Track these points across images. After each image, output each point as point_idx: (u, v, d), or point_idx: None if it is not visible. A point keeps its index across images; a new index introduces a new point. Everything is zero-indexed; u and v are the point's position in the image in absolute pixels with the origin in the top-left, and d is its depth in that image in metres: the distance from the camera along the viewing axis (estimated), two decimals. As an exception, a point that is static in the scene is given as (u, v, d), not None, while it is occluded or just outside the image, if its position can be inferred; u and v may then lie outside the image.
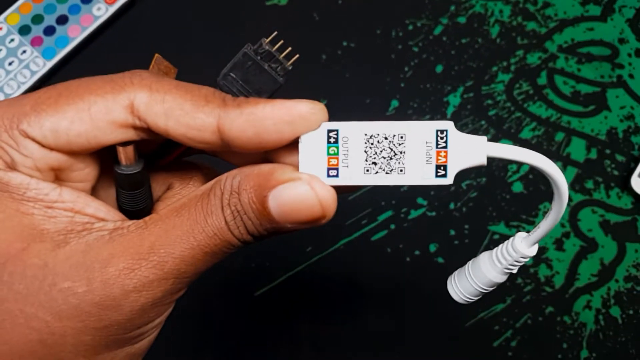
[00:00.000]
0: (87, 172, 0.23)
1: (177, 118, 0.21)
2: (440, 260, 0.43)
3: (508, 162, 0.24)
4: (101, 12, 0.47)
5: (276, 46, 0.23)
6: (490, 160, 0.22)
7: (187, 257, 0.21)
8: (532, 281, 0.43)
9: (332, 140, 0.22)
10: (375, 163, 0.22)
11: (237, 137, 0.21)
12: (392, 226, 0.43)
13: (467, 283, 0.26)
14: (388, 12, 0.48)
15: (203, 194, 0.22)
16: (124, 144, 0.23)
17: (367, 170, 0.22)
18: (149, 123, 0.22)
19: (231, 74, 0.23)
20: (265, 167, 0.22)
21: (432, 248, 0.43)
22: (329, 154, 0.22)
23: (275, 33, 0.23)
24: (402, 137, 0.22)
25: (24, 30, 0.47)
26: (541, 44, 0.47)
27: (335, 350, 0.41)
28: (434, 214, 0.44)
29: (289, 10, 0.48)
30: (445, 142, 0.22)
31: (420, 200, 0.44)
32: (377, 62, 0.47)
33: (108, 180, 0.25)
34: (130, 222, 0.22)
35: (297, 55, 0.23)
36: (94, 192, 0.24)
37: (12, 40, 0.46)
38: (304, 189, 0.21)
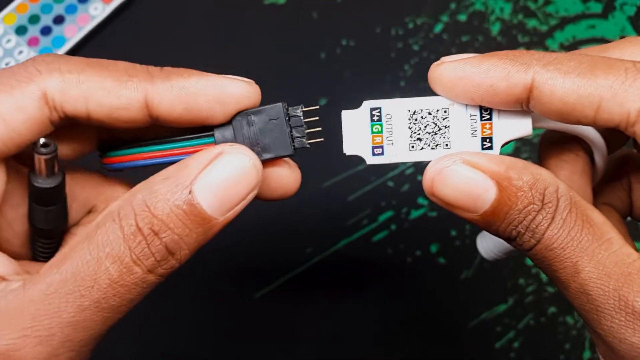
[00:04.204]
0: None
1: (99, 99, 0.19)
2: (442, 260, 0.42)
3: (552, 131, 0.25)
4: (98, 12, 0.46)
5: (308, 119, 0.22)
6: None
7: (80, 322, 0.17)
8: (534, 281, 0.42)
9: (375, 118, 0.22)
10: (420, 139, 0.22)
11: (167, 113, 0.20)
12: (393, 227, 0.43)
13: (497, 239, 0.24)
14: (387, 10, 0.48)
15: (90, 232, 0.18)
16: (45, 152, 0.20)
17: (413, 147, 0.22)
18: (67, 111, 0.19)
19: (253, 116, 0.21)
20: (171, 168, 0.19)
21: (433, 249, 0.43)
22: (372, 132, 0.22)
23: (317, 108, 0.22)
24: (445, 112, 0.22)
25: (20, 30, 0.46)
26: (542, 41, 0.47)
27: (337, 351, 0.41)
28: (434, 214, 0.43)
29: (288, 9, 0.48)
30: (490, 114, 0.22)
31: (420, 200, 0.43)
32: (377, 61, 0.47)
33: (19, 192, 0.22)
34: (17, 281, 0.18)
35: (322, 139, 0.22)
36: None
37: (9, 40, 0.46)
38: (239, 159, 0.19)
